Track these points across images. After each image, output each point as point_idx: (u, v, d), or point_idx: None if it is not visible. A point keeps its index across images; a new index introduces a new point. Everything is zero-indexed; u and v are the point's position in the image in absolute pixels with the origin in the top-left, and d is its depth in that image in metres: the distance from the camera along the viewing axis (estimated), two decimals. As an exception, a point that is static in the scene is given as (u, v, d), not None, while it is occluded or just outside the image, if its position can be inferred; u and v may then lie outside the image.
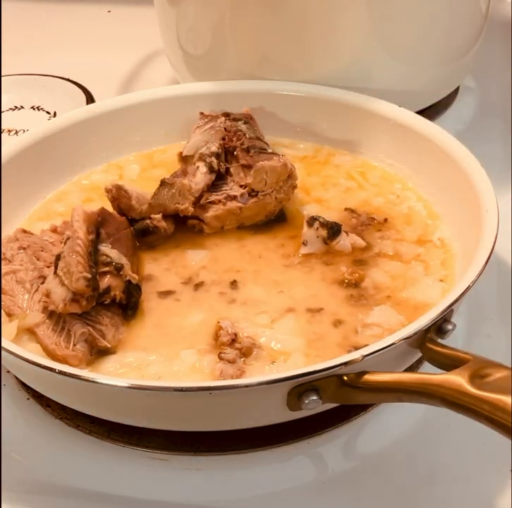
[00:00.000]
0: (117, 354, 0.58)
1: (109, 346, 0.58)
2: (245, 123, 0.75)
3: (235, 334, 0.58)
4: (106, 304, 0.59)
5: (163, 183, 0.68)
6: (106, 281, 0.58)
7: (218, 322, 0.59)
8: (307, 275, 0.64)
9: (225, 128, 0.74)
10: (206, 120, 0.76)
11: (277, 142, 0.79)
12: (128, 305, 0.60)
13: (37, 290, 0.61)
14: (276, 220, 0.70)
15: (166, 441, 0.58)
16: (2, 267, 0.62)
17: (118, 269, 0.59)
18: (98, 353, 0.58)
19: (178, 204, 0.67)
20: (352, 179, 0.75)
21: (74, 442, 0.58)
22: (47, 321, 0.58)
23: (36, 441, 0.59)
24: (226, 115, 0.76)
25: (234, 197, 0.69)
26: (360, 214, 0.70)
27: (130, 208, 0.67)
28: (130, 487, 0.56)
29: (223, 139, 0.73)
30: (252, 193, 0.69)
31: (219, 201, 0.69)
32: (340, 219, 0.69)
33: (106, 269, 0.59)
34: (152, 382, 0.53)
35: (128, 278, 0.60)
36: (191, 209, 0.68)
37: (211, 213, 0.68)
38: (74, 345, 0.57)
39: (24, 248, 0.63)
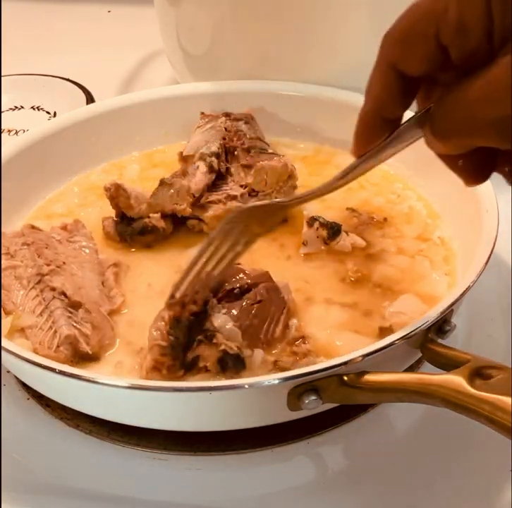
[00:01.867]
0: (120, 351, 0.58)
1: (90, 352, 0.57)
2: (246, 123, 0.75)
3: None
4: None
5: (162, 183, 0.68)
6: (196, 350, 0.55)
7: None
8: (307, 274, 0.64)
9: (225, 128, 0.74)
10: (206, 120, 0.76)
11: (278, 142, 0.79)
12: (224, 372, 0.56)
13: (32, 287, 0.60)
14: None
15: (166, 441, 0.58)
16: (3, 262, 0.62)
17: (210, 337, 0.55)
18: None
19: (176, 204, 0.67)
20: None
21: (74, 442, 0.58)
22: (37, 319, 0.58)
23: (36, 441, 0.59)
24: (227, 115, 0.76)
25: (234, 197, 0.69)
26: (360, 214, 0.70)
27: (129, 207, 0.67)
28: (130, 487, 0.56)
29: (224, 139, 0.73)
30: (253, 193, 0.69)
31: (219, 201, 0.69)
32: (341, 218, 0.69)
33: (200, 336, 0.55)
34: (152, 382, 0.53)
35: (223, 347, 0.55)
36: (189, 210, 0.68)
37: (211, 213, 0.68)
38: (57, 347, 0.57)
39: (27, 244, 0.63)
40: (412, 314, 0.60)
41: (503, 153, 0.42)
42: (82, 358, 0.57)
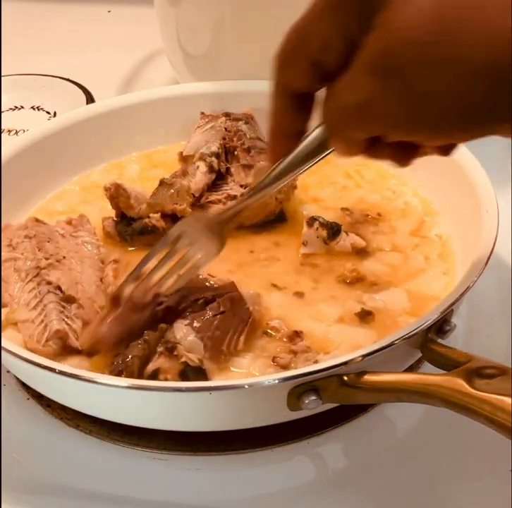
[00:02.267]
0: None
1: (80, 348, 0.57)
2: (246, 123, 0.75)
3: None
4: None
5: (162, 183, 0.68)
6: (155, 363, 0.55)
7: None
8: (309, 273, 0.64)
9: (225, 128, 0.74)
10: (207, 120, 0.76)
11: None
12: None
13: (30, 280, 0.61)
14: (275, 220, 0.70)
15: (166, 441, 0.58)
16: (5, 254, 0.63)
17: (171, 349, 0.55)
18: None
19: (176, 204, 0.68)
20: (350, 178, 0.75)
21: (74, 442, 0.58)
22: (31, 312, 0.59)
23: (36, 441, 0.59)
24: (227, 115, 0.76)
25: (234, 197, 0.69)
26: (353, 212, 0.70)
27: (129, 207, 0.67)
28: (130, 487, 0.56)
29: (224, 139, 0.73)
30: (252, 193, 0.69)
31: (219, 201, 0.69)
32: (336, 218, 0.69)
33: (161, 348, 0.55)
34: (152, 382, 0.53)
35: (184, 359, 0.55)
36: (189, 210, 0.68)
37: (211, 213, 0.68)
38: (46, 341, 0.57)
39: (30, 237, 0.64)
40: (391, 306, 0.61)
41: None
42: (74, 352, 0.57)
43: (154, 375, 0.55)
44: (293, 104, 0.46)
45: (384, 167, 0.76)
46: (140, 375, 0.55)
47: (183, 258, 0.56)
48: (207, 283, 0.59)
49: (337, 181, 0.75)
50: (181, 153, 0.74)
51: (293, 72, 0.44)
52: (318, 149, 0.48)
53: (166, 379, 0.54)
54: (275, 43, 0.81)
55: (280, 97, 0.46)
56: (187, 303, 0.58)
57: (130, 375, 0.54)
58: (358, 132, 0.43)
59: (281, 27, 0.79)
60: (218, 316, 0.57)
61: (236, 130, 0.73)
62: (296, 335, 0.58)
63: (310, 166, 0.50)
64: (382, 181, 0.75)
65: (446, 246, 0.66)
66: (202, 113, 0.77)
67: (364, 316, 0.60)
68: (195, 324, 0.56)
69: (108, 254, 0.66)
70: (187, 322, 0.56)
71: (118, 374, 0.54)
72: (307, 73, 0.43)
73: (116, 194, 0.67)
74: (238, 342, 0.57)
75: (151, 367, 0.55)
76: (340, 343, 0.58)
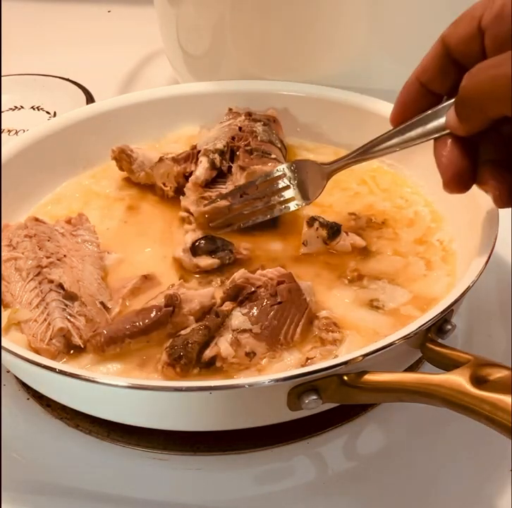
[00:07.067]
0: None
1: (82, 346, 0.57)
2: (264, 124, 0.74)
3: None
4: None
5: (160, 160, 0.72)
6: (213, 349, 0.56)
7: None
8: (309, 273, 0.64)
9: (241, 127, 0.73)
10: (230, 117, 0.76)
11: (300, 145, 0.79)
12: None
13: (32, 279, 0.61)
14: (275, 220, 0.70)
15: (166, 441, 0.58)
16: (5, 254, 0.63)
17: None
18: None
19: (164, 184, 0.72)
20: (365, 184, 0.74)
21: (74, 442, 0.58)
22: (33, 311, 0.59)
23: (36, 441, 0.59)
24: (249, 114, 0.75)
25: (225, 197, 0.69)
26: (359, 217, 0.70)
27: (130, 171, 0.72)
28: (130, 487, 0.56)
29: (233, 138, 0.72)
30: (244, 195, 0.68)
31: (210, 197, 0.69)
32: (340, 221, 0.68)
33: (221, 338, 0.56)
34: (152, 382, 0.53)
35: (247, 349, 0.56)
36: (171, 193, 0.71)
37: (200, 208, 0.68)
38: (50, 339, 0.57)
39: (30, 237, 0.64)
40: (388, 298, 0.61)
41: None
42: (78, 350, 0.58)
43: (211, 362, 0.55)
44: (443, 58, 0.51)
45: (398, 174, 0.75)
46: (197, 361, 0.55)
47: (275, 197, 0.65)
48: (264, 274, 0.60)
49: (350, 187, 0.74)
50: (194, 146, 0.73)
51: (457, 28, 0.49)
52: (428, 133, 0.53)
53: (221, 367, 0.55)
54: (275, 43, 0.82)
55: (435, 48, 0.51)
56: (244, 295, 0.59)
57: (189, 361, 0.55)
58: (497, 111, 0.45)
59: (280, 27, 0.80)
60: (276, 306, 0.58)
61: (250, 130, 0.73)
62: (334, 326, 0.58)
63: (422, 141, 0.54)
64: (396, 188, 0.74)
65: (447, 249, 0.66)
66: (230, 109, 0.77)
67: (374, 305, 0.61)
68: (253, 313, 0.57)
69: (106, 252, 0.66)
70: (245, 310, 0.57)
71: (178, 359, 0.54)
72: (468, 35, 0.48)
73: (119, 157, 0.72)
74: (295, 333, 0.57)
75: (208, 353, 0.55)
76: (358, 327, 0.59)
